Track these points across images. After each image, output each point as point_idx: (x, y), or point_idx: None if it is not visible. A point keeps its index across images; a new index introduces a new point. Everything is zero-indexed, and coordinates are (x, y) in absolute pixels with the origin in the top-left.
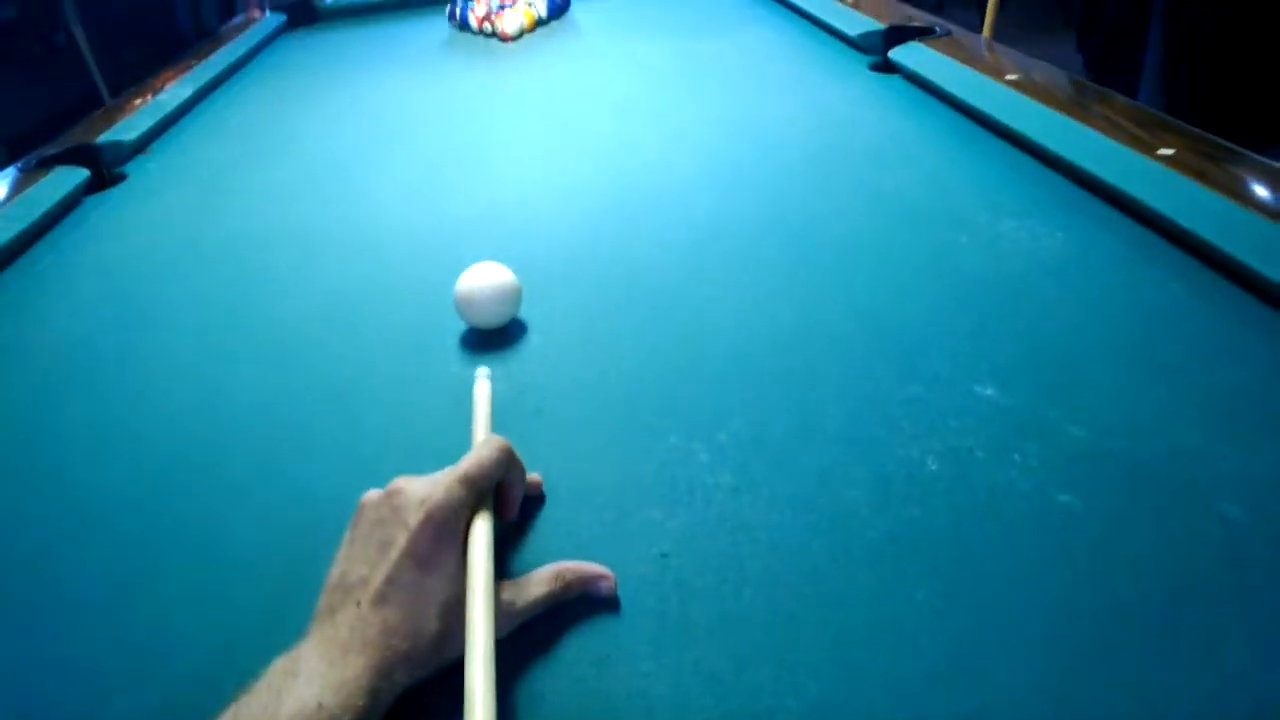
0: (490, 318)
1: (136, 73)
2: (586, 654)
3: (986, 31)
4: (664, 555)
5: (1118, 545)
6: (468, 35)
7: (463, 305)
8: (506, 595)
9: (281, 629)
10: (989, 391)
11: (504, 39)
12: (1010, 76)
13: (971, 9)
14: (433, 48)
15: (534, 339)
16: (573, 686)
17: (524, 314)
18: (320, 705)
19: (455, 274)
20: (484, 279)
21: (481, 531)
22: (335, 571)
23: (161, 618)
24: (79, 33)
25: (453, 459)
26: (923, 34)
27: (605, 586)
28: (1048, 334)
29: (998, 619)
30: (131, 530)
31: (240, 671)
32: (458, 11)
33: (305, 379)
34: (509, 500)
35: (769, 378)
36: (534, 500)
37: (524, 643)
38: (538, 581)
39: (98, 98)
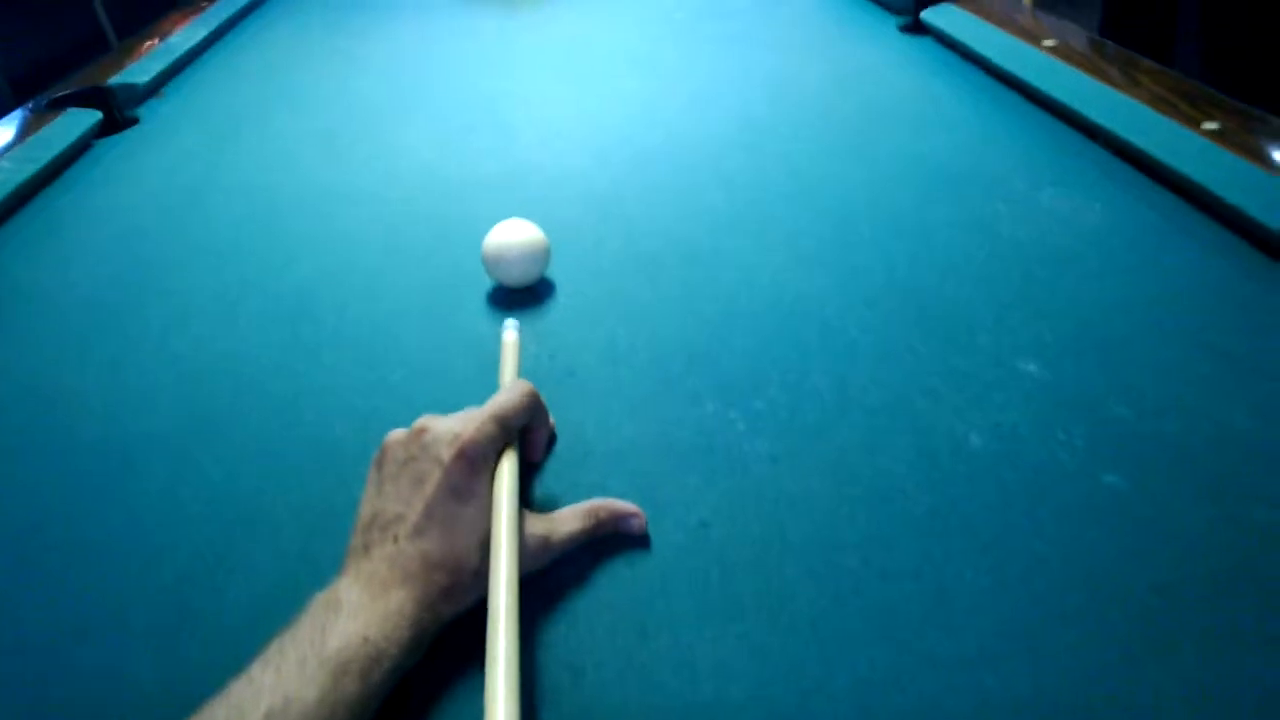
0: (519, 275)
1: (142, 12)
2: (627, 624)
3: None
4: (704, 524)
5: (1167, 528)
6: None
7: (491, 262)
8: (540, 529)
9: (310, 581)
10: (1031, 367)
11: None
12: (1048, 42)
13: None
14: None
15: (563, 299)
16: (614, 658)
17: (552, 274)
18: (366, 638)
19: (480, 231)
20: (514, 235)
21: (508, 470)
22: (366, 510)
23: (186, 576)
24: None
25: None
26: None
27: (637, 524)
28: (1090, 308)
29: (1047, 599)
30: (151, 486)
31: (270, 621)
32: None
33: (326, 335)
34: (535, 443)
35: (806, 345)
36: (567, 462)
37: (562, 610)
38: (571, 516)
39: (103, 36)
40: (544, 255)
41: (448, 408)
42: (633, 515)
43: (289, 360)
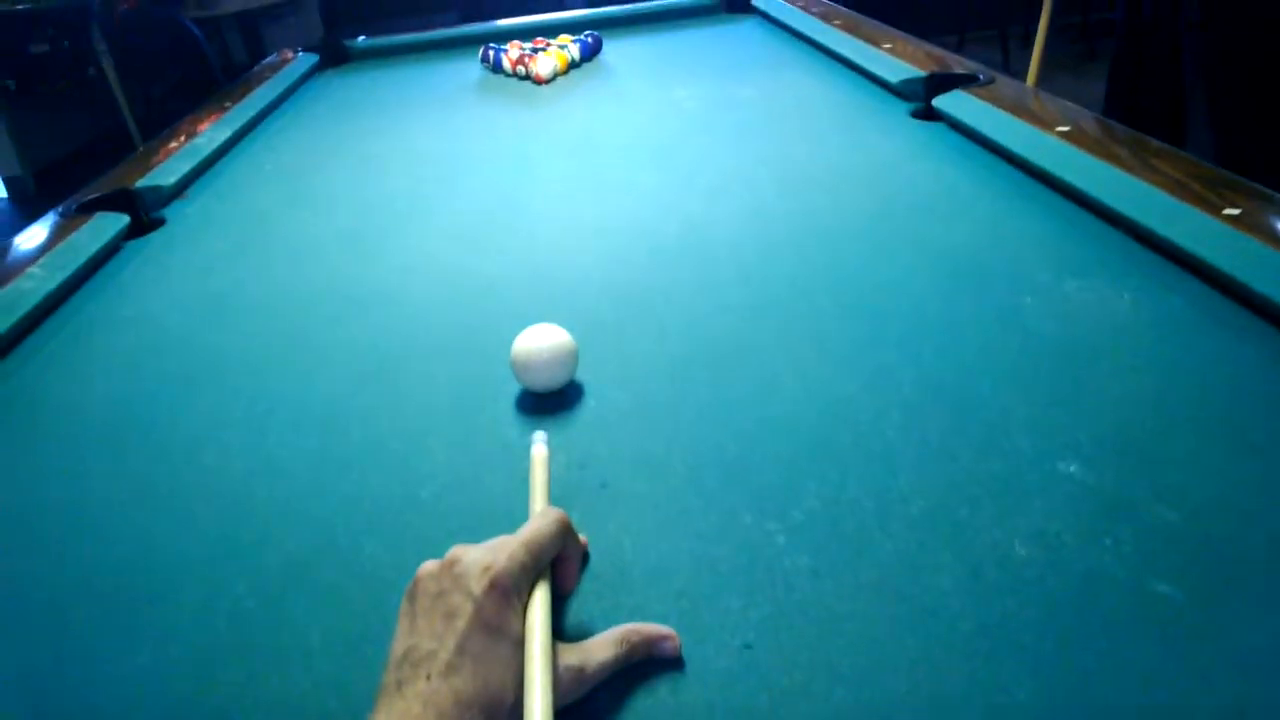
0: (548, 380)
1: (164, 108)
2: None
3: (1031, 79)
4: (748, 647)
5: (1225, 639)
6: (501, 77)
7: (520, 368)
8: (574, 660)
9: (347, 710)
10: (1073, 468)
11: (538, 82)
12: (1061, 128)
13: (994, 47)
14: (467, 90)
15: (590, 404)
16: None
17: (579, 376)
18: None
19: (503, 333)
20: (542, 341)
21: (540, 601)
22: (398, 646)
23: (224, 708)
24: (109, 67)
25: (511, 529)
26: (965, 81)
27: (670, 647)
28: (1127, 405)
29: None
30: (181, 614)
31: None
32: (491, 55)
33: (354, 447)
34: (567, 573)
35: (841, 451)
36: (605, 582)
37: None
38: (604, 644)
39: (125, 130)
40: (572, 360)
41: (478, 521)
42: (666, 639)
43: (319, 475)
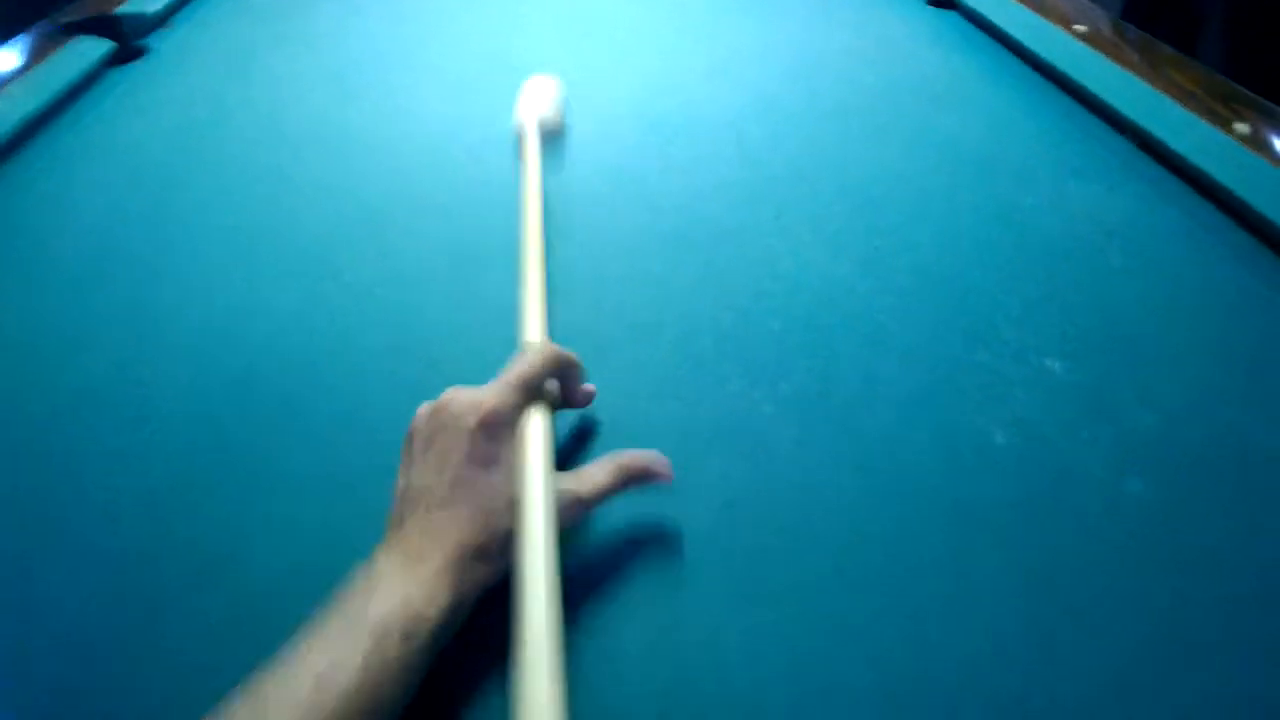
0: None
1: None
2: (656, 609)
3: None
4: (729, 505)
5: (1190, 540)
6: None
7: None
8: (570, 485)
9: (346, 548)
10: (1056, 365)
11: None
12: (1078, 27)
13: None
14: None
15: (584, 272)
16: (645, 639)
17: (572, 245)
18: (406, 602)
19: (494, 196)
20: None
21: (534, 429)
22: (399, 484)
23: (213, 544)
24: None
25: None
26: None
27: (664, 471)
28: (1115, 307)
29: (1071, 604)
30: (174, 445)
31: (305, 588)
32: None
33: (346, 291)
34: (571, 390)
35: (832, 330)
36: (593, 440)
37: (593, 590)
38: (599, 470)
39: None
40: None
41: (473, 367)
42: (660, 465)
43: (308, 317)
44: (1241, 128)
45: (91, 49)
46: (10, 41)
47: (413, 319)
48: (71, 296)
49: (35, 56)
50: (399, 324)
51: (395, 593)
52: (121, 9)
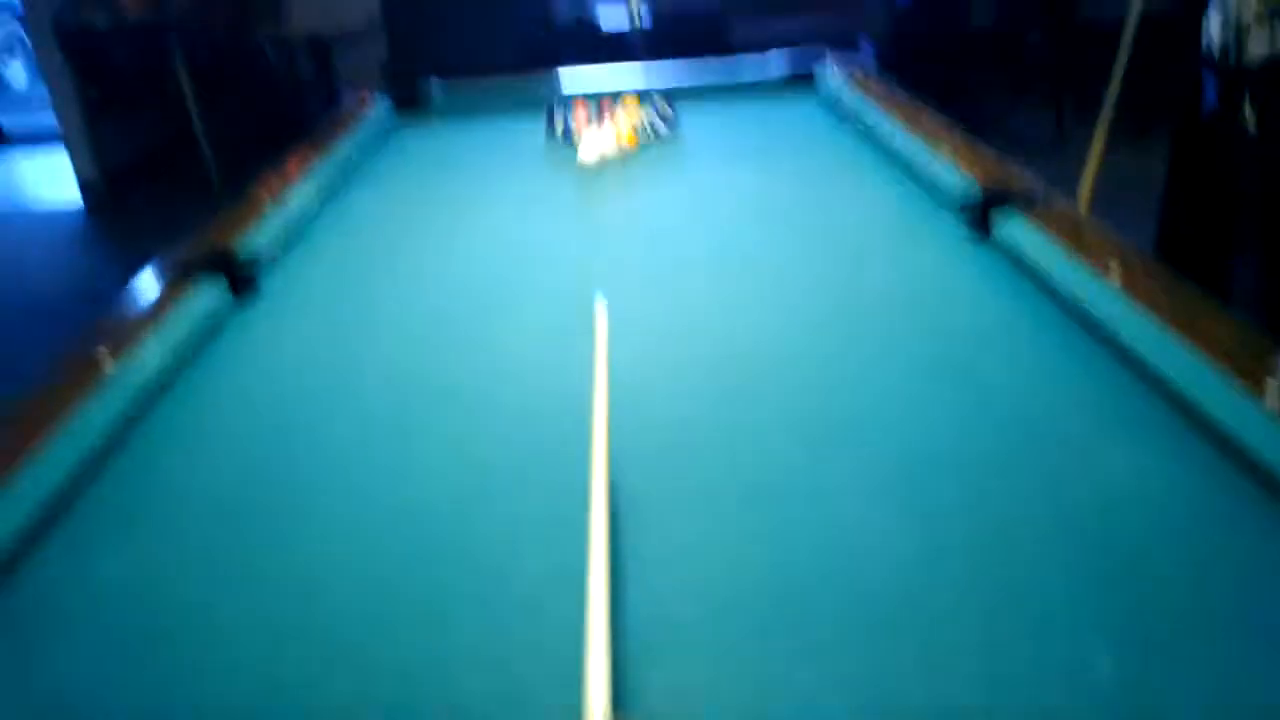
0: None
1: (233, 120)
2: None
3: (1083, 206)
4: None
5: None
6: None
7: None
8: None
9: None
10: (1104, 662)
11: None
12: (1114, 273)
13: (1045, 113)
14: (534, 154)
15: (657, 535)
16: None
17: (646, 501)
18: None
19: (572, 456)
20: None
21: None
22: None
23: None
24: (184, 81)
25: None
26: (1022, 201)
27: None
28: (1156, 596)
29: None
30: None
31: None
32: (560, 126)
33: (444, 565)
34: None
35: (891, 613)
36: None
37: None
38: None
39: (193, 138)
40: None
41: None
42: None
43: (417, 596)
44: (1274, 394)
45: (212, 293)
46: (137, 282)
47: (507, 585)
48: (206, 548)
49: (162, 302)
50: (487, 598)
51: None
52: (235, 246)
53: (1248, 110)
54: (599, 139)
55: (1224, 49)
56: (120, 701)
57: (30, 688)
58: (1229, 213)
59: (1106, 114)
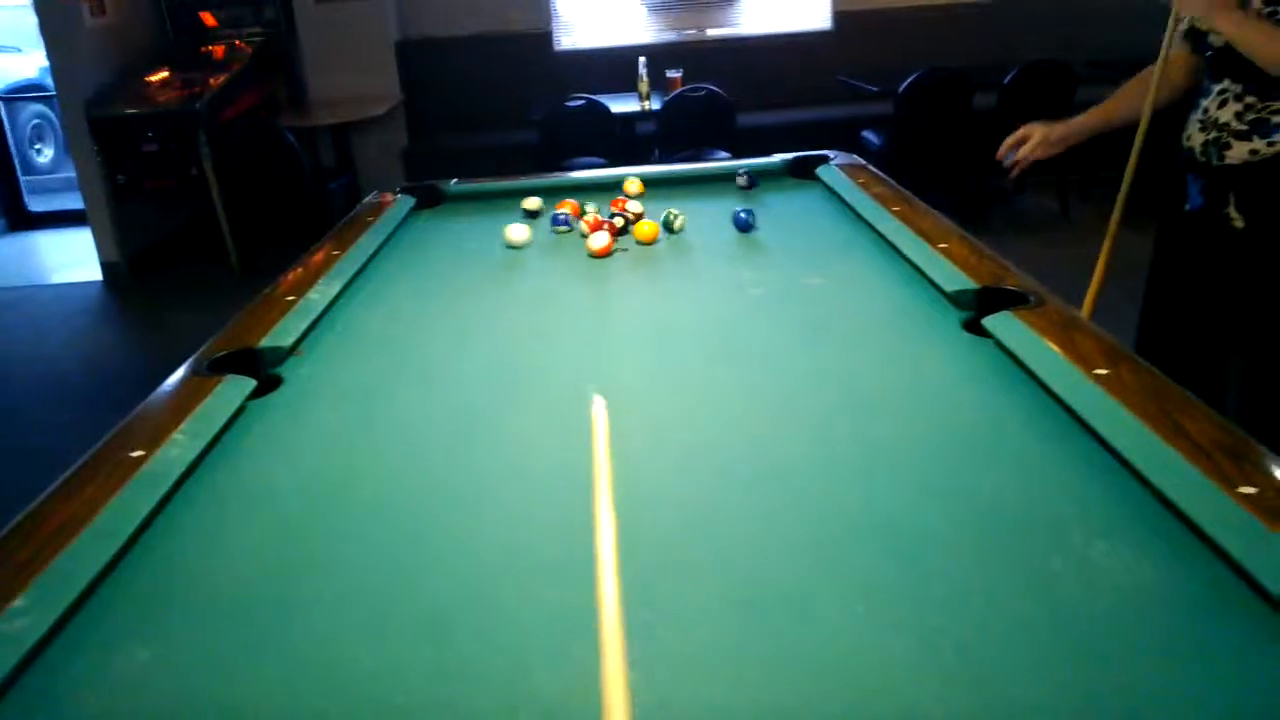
0: None
1: (256, 205)
2: None
3: (1086, 310)
4: None
5: None
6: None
7: None
8: None
9: None
10: None
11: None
12: (1099, 371)
13: (1050, 194)
14: (544, 251)
15: (669, 638)
16: None
17: (657, 606)
18: None
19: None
20: None
21: None
22: None
23: None
24: (209, 167)
25: None
26: (1015, 300)
27: None
28: (1142, 700)
29: None
30: None
31: None
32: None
33: (461, 661)
34: None
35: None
36: None
37: None
38: None
39: (215, 221)
40: None
41: None
42: None
43: (428, 692)
44: (1246, 490)
45: (238, 390)
46: (171, 383)
47: (516, 690)
48: (221, 651)
49: (193, 397)
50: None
51: None
52: (261, 343)
53: (1233, 209)
54: (600, 237)
55: (1205, 150)
56: None
57: None
58: (1215, 307)
59: (1116, 218)
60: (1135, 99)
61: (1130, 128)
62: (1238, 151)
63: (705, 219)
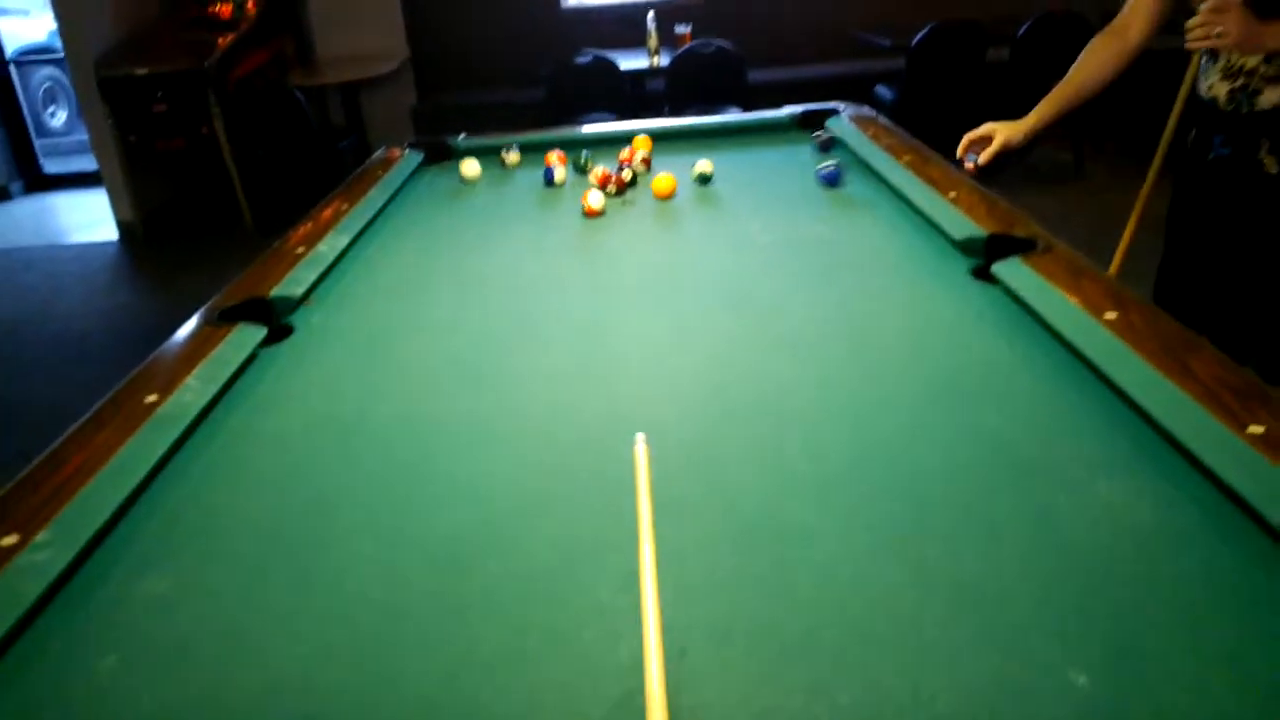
0: None
1: (266, 163)
2: None
3: (1114, 268)
4: None
5: None
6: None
7: None
8: None
9: None
10: (1082, 679)
11: (588, 215)
12: (1108, 315)
13: (1064, 148)
14: (550, 201)
15: (673, 568)
16: None
17: (660, 541)
18: None
19: (601, 489)
20: None
21: None
22: None
23: None
24: (219, 127)
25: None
26: (1024, 247)
27: None
28: (1137, 619)
29: None
30: None
31: None
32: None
33: (473, 594)
34: None
35: (880, 639)
36: None
37: None
38: None
39: (228, 180)
40: None
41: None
42: None
43: (438, 623)
44: (1255, 429)
45: (250, 338)
46: (183, 333)
47: (530, 621)
48: (235, 591)
49: (205, 344)
50: (517, 627)
51: None
52: (272, 293)
53: (1265, 153)
54: (597, 195)
55: (1232, 99)
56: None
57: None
58: (1240, 256)
59: (1151, 180)
60: (1095, 70)
61: (1098, 99)
62: (1269, 96)
63: (718, 171)
